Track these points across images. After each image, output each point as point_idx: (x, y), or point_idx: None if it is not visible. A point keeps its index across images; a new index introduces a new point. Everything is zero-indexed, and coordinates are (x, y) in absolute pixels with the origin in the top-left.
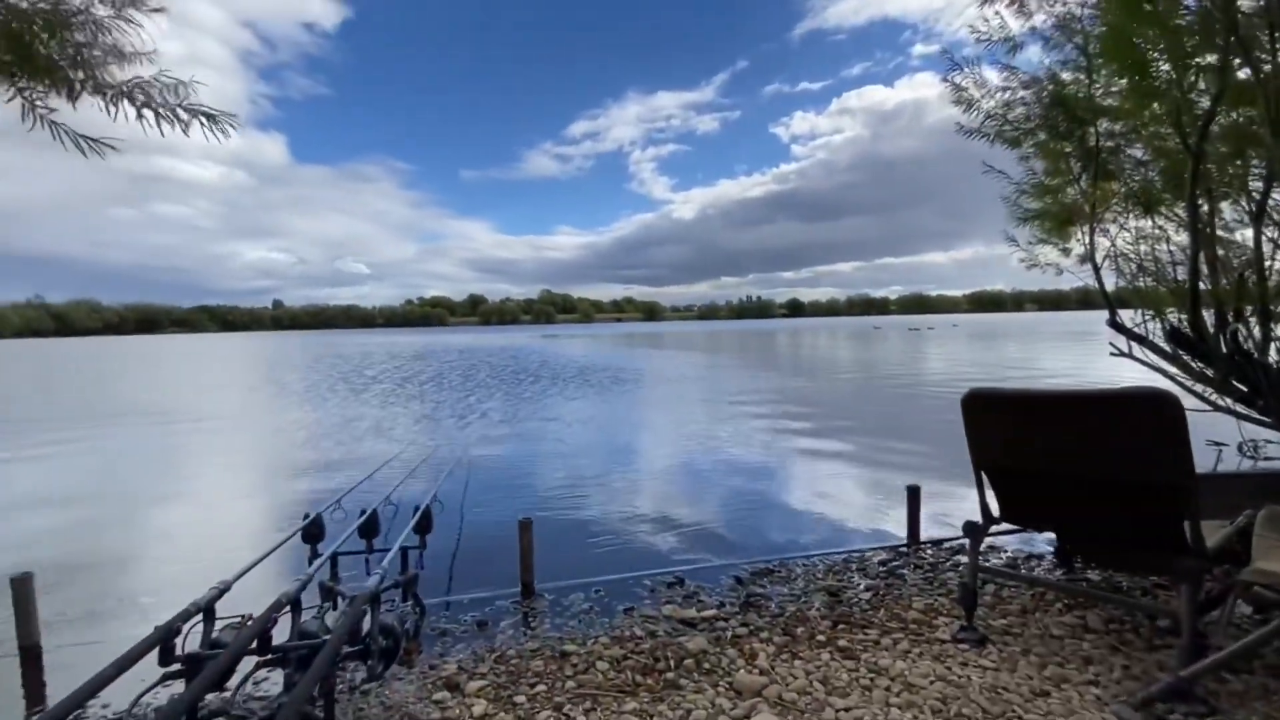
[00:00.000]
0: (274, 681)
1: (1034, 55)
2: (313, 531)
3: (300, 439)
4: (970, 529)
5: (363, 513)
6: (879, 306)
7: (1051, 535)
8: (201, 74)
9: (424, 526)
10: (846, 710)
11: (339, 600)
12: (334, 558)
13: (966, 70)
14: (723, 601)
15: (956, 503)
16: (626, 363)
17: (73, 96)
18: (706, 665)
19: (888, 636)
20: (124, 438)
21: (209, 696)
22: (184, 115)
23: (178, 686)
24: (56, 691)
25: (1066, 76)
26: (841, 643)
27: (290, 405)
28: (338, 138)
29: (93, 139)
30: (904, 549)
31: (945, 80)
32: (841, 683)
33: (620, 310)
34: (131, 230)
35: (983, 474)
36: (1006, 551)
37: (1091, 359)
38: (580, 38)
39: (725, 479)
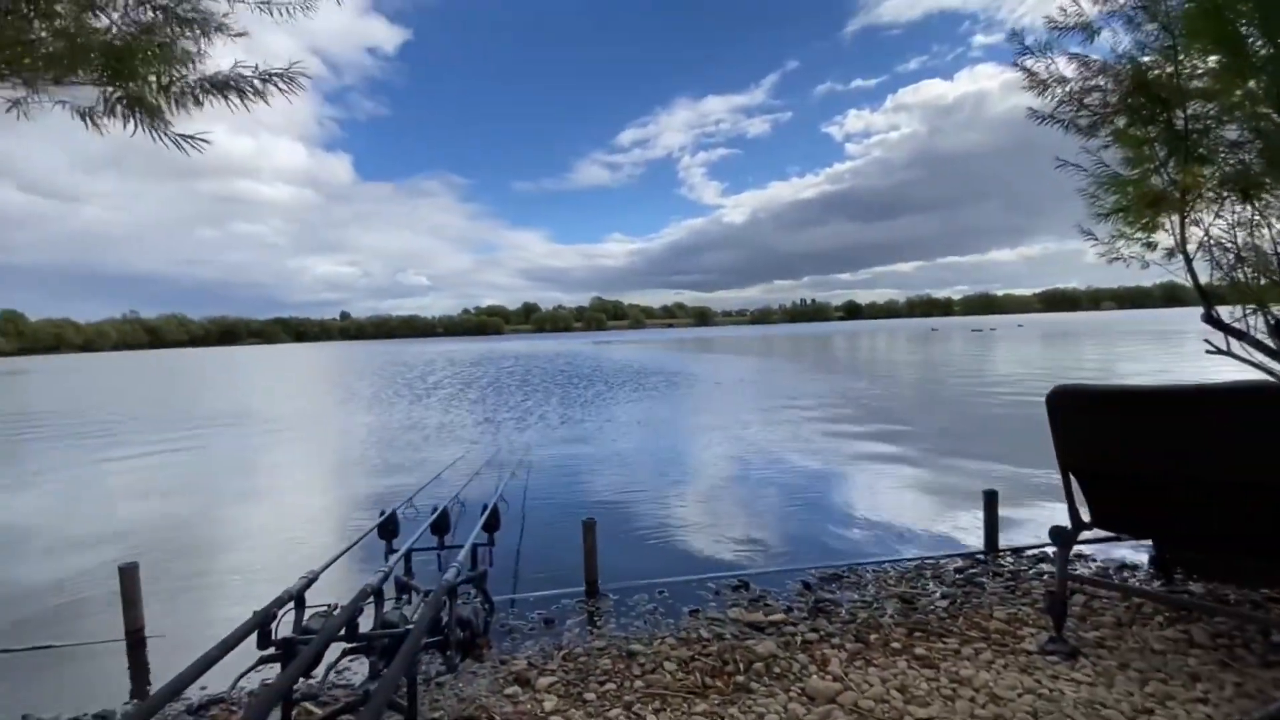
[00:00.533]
0: (354, 671)
1: (1107, 41)
2: (388, 528)
3: (371, 440)
4: (1058, 535)
5: (434, 510)
6: (942, 307)
7: (1147, 542)
8: (275, 101)
9: (492, 525)
10: None
11: (413, 594)
12: (408, 553)
13: (1037, 56)
14: (790, 606)
15: (1035, 508)
16: (680, 366)
17: (168, 101)
18: (777, 670)
19: (968, 646)
20: (213, 440)
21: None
22: (258, 84)
23: (270, 668)
24: (159, 673)
25: (1147, 59)
26: (919, 651)
27: (361, 409)
28: (399, 155)
29: (188, 136)
30: (981, 556)
31: (1016, 64)
32: (921, 692)
33: (671, 316)
34: (214, 249)
35: (1071, 477)
36: (1096, 560)
37: (1181, 359)
38: (629, 49)
39: (785, 482)
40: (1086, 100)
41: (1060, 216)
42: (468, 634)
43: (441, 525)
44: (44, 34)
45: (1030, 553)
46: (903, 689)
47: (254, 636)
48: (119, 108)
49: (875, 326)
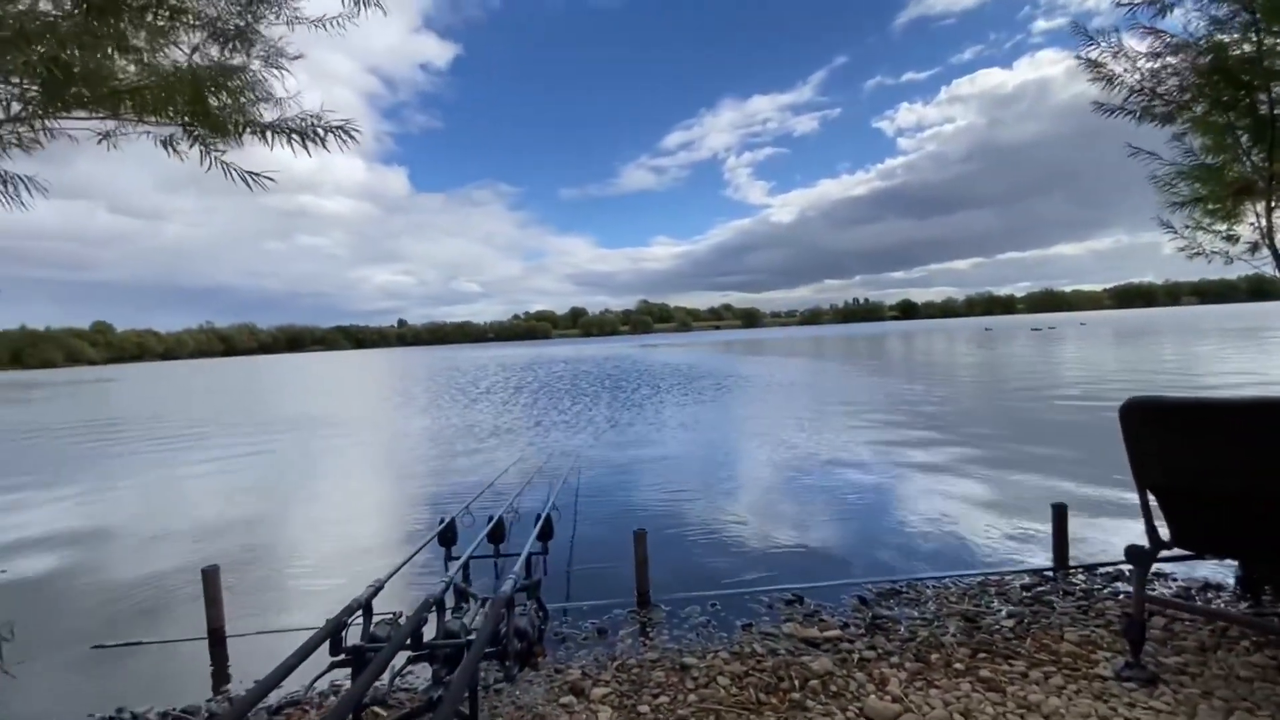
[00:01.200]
0: (416, 675)
1: (1179, 20)
2: (447, 536)
3: (429, 443)
4: (1135, 554)
5: (490, 519)
6: (1004, 305)
7: (1233, 562)
8: (335, 119)
9: (546, 533)
10: None
11: (471, 601)
12: (467, 561)
13: (1103, 43)
14: (846, 622)
15: (1109, 523)
16: (729, 369)
17: (238, 135)
18: (833, 688)
19: (1037, 669)
20: (283, 444)
21: None
22: (320, 132)
23: (337, 671)
24: (237, 670)
25: (1227, 39)
26: (983, 673)
27: (419, 413)
28: (451, 166)
29: (255, 173)
30: (1050, 574)
31: (1078, 58)
32: (986, 717)
33: (718, 317)
34: (280, 261)
35: (1148, 494)
36: (1176, 579)
37: (1268, 356)
38: (674, 53)
39: (839, 491)
40: (1160, 89)
41: (1132, 208)
42: (524, 644)
43: (498, 534)
44: (129, 71)
45: (1104, 571)
46: (966, 713)
47: (326, 643)
48: (197, 145)
49: (929, 326)
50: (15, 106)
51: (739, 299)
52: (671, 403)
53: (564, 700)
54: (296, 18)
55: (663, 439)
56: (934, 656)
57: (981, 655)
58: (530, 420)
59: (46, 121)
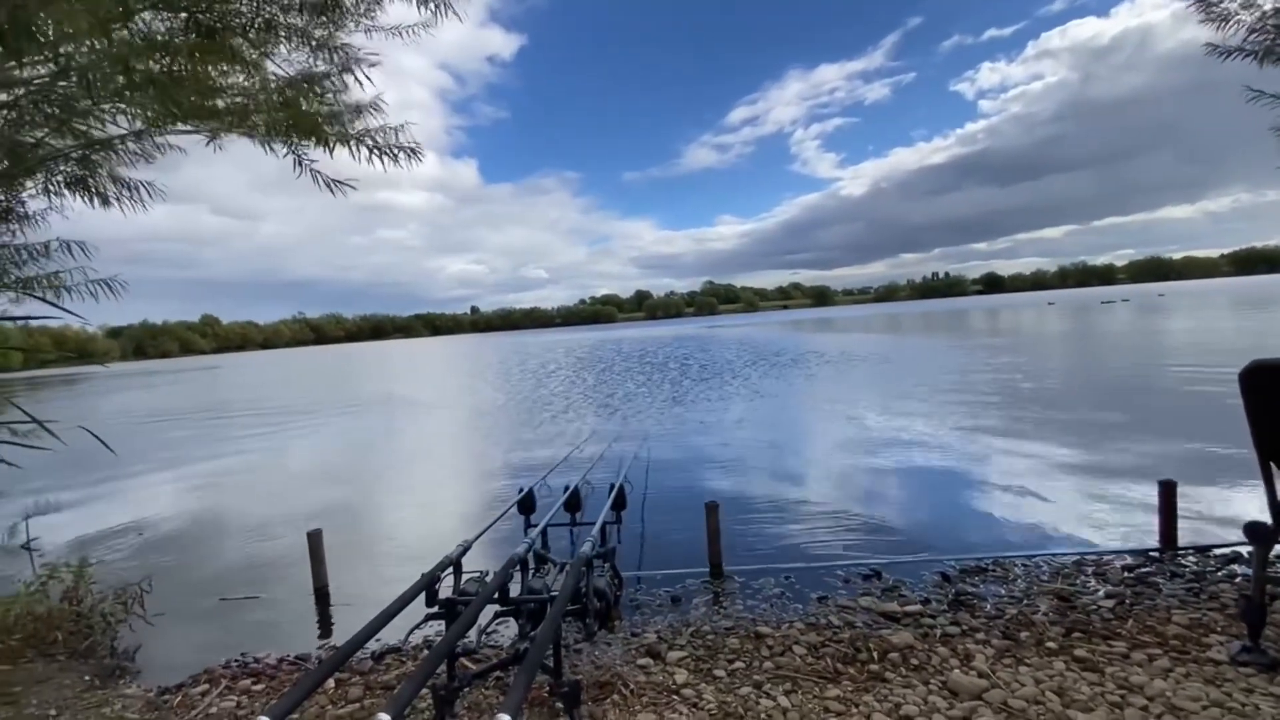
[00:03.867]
0: (500, 632)
1: None
2: (526, 504)
3: (504, 420)
4: (1255, 532)
5: (566, 489)
6: (1102, 275)
7: None
8: (410, 114)
9: (619, 504)
10: None
11: (549, 566)
12: (545, 528)
13: None
14: (927, 598)
15: (1221, 502)
16: (798, 346)
17: (327, 146)
18: (914, 661)
19: (1140, 651)
20: (374, 421)
21: None
22: (394, 151)
23: (430, 623)
24: (338, 622)
25: None
26: (1078, 652)
27: (495, 393)
28: (518, 156)
29: (339, 180)
30: (1156, 554)
31: None
32: (1082, 696)
33: (787, 297)
34: (363, 253)
35: (1272, 466)
36: None
37: None
38: (736, 26)
39: (917, 468)
40: None
41: (1255, 161)
42: (603, 604)
43: (574, 503)
44: (232, 85)
45: (1219, 552)
46: (1060, 691)
47: (421, 596)
48: (290, 145)
49: (1003, 301)
50: (138, 124)
51: (808, 277)
52: (740, 380)
53: (641, 662)
54: (374, 26)
55: (731, 415)
56: (1024, 634)
57: (1077, 635)
58: (600, 398)
59: (160, 136)
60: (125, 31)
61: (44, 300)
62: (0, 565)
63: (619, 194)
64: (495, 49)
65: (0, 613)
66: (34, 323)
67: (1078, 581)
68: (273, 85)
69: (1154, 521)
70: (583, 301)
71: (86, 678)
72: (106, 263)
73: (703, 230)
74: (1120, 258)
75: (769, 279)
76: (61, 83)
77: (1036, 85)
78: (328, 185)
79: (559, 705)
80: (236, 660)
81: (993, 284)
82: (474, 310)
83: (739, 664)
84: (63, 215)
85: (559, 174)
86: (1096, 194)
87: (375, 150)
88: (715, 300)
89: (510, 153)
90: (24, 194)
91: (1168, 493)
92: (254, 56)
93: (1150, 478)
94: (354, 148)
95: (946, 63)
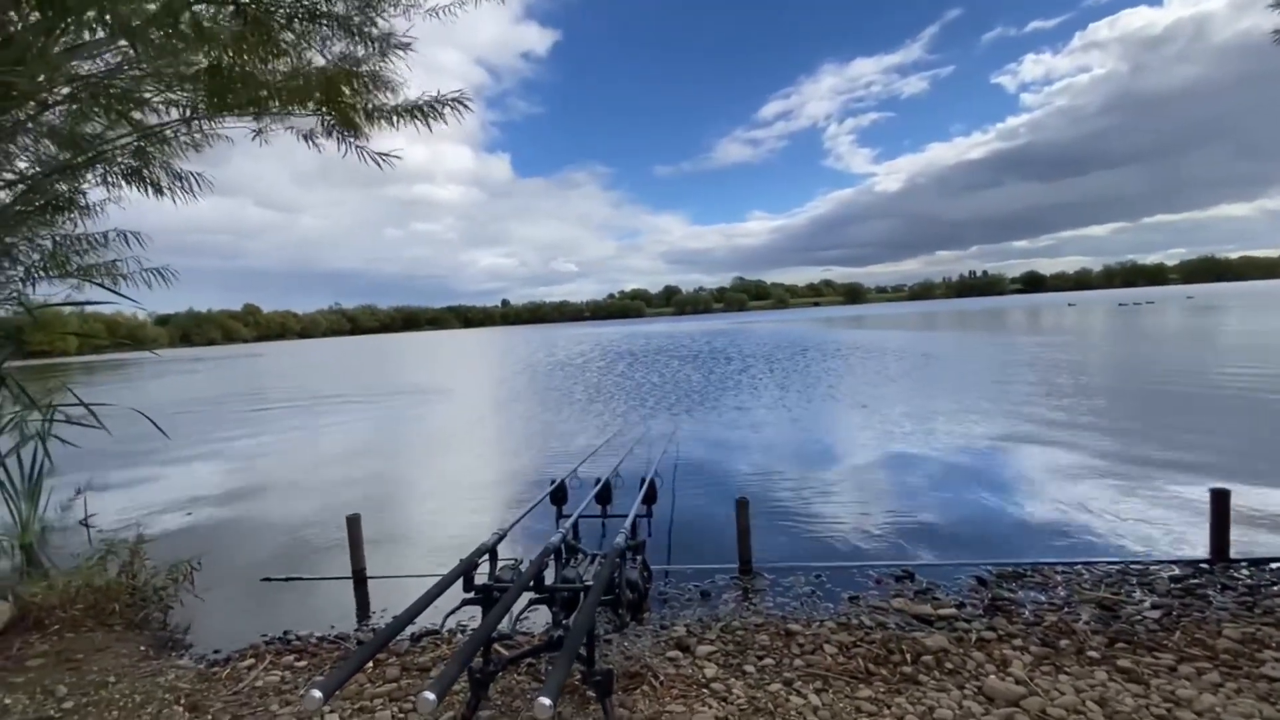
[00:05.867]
0: (532, 620)
1: None
2: (558, 495)
3: (535, 412)
4: None
5: (597, 482)
6: (1151, 275)
7: None
8: (447, 114)
9: (650, 497)
10: None
11: (580, 557)
12: (577, 519)
13: None
14: (962, 602)
15: (1275, 512)
16: (829, 342)
17: (368, 123)
18: (949, 665)
19: (1188, 664)
20: (409, 409)
21: None
22: (438, 107)
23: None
24: (376, 605)
25: None
26: (1122, 663)
27: (525, 384)
28: (550, 150)
29: (384, 154)
30: (1206, 565)
31: None
32: (1125, 708)
33: (818, 294)
34: (398, 246)
35: None
36: None
37: None
38: (770, 19)
39: (954, 467)
40: None
41: None
42: (635, 596)
43: (605, 495)
44: (277, 72)
45: (1276, 566)
46: (1102, 702)
47: (457, 582)
48: (333, 131)
49: (1022, 302)
50: (188, 112)
51: (840, 274)
52: (769, 376)
53: (670, 654)
54: (413, 5)
55: (762, 410)
56: (1063, 642)
57: (1120, 645)
58: (628, 392)
59: (208, 124)
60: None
61: (102, 286)
62: (61, 540)
63: (650, 188)
64: (530, 44)
65: (63, 584)
66: (89, 309)
67: (1122, 591)
68: (315, 70)
69: (1204, 532)
70: (611, 296)
71: (142, 648)
72: (158, 253)
73: (733, 225)
74: (1171, 257)
75: (800, 275)
76: (118, 77)
77: (1083, 78)
78: (374, 160)
79: (590, 693)
80: (279, 637)
81: (1033, 283)
82: (504, 303)
83: (769, 660)
84: (120, 206)
85: (590, 168)
86: (1146, 190)
87: (418, 113)
88: (745, 296)
89: (543, 147)
90: (85, 186)
91: (1220, 501)
92: (298, 44)
93: (1200, 485)
94: (394, 120)
95: (987, 55)
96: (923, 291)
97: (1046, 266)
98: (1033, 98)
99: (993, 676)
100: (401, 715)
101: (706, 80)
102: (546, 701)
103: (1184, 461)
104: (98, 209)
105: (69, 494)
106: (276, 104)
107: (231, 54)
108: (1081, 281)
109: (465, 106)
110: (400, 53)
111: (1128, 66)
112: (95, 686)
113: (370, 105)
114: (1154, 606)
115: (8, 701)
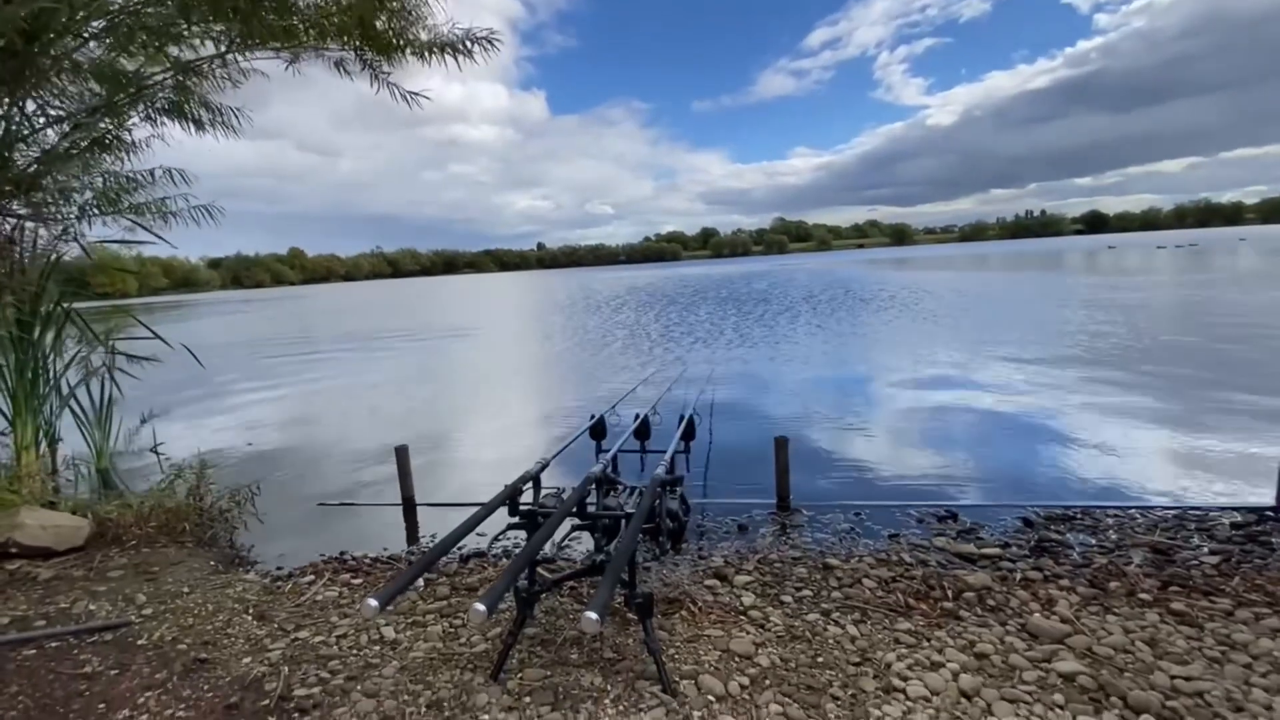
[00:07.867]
0: (573, 547)
1: None
2: (598, 430)
3: (574, 351)
4: None
5: (636, 417)
6: (1228, 214)
7: None
8: (480, 47)
9: (688, 434)
10: (1187, 679)
11: (619, 487)
12: (616, 453)
13: None
14: (1007, 542)
15: None
16: (873, 282)
17: (400, 53)
18: (991, 602)
19: (1246, 609)
20: (452, 347)
21: None
22: (467, 45)
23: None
24: (425, 530)
25: None
26: (1175, 606)
27: (564, 325)
28: (586, 86)
29: (414, 92)
30: (1272, 513)
31: None
32: (1177, 649)
33: (863, 235)
34: (436, 189)
35: None
36: None
37: None
38: None
39: (1002, 412)
40: None
41: None
42: (675, 525)
43: (643, 431)
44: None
45: None
46: (1152, 642)
47: (503, 508)
48: (367, 63)
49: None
50: (223, 48)
51: (887, 214)
52: (810, 316)
53: (708, 583)
54: None
55: (801, 351)
56: (1113, 584)
57: (1174, 589)
58: (666, 334)
59: (243, 57)
60: None
61: (150, 231)
62: (133, 463)
63: (688, 125)
64: None
65: (137, 504)
66: (146, 252)
67: (1178, 536)
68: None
69: (1271, 481)
70: (648, 239)
71: (211, 563)
72: (205, 195)
73: (775, 163)
74: (1251, 194)
75: (844, 216)
76: (150, 9)
77: None
78: (404, 98)
79: (630, 616)
80: (336, 557)
81: (1095, 223)
82: (540, 246)
83: (806, 591)
84: (165, 142)
85: (627, 104)
86: (1227, 122)
87: (449, 49)
88: (785, 238)
89: (579, 82)
90: (128, 123)
91: None
92: None
93: (1270, 435)
94: (426, 55)
95: None
96: (974, 233)
97: (1112, 205)
98: (1108, 19)
99: (1038, 615)
100: (452, 630)
101: (750, 8)
102: (593, 615)
103: (1254, 407)
104: (144, 145)
105: (136, 424)
106: (310, 36)
107: None
108: (1148, 221)
109: (494, 45)
110: None
111: None
112: (171, 595)
113: (404, 36)
114: (1212, 552)
115: (92, 608)
